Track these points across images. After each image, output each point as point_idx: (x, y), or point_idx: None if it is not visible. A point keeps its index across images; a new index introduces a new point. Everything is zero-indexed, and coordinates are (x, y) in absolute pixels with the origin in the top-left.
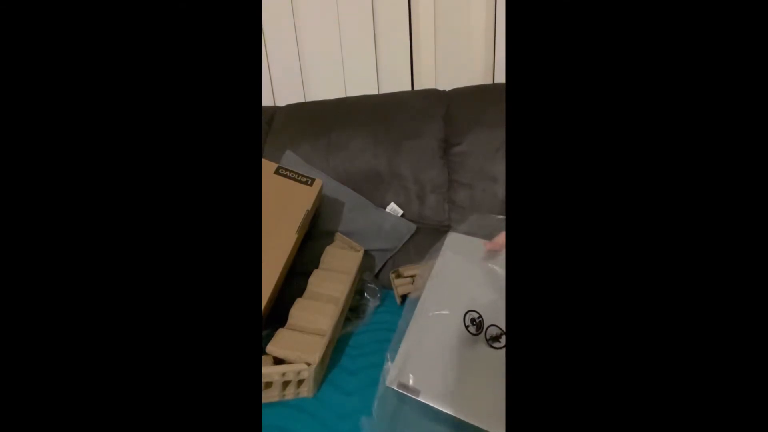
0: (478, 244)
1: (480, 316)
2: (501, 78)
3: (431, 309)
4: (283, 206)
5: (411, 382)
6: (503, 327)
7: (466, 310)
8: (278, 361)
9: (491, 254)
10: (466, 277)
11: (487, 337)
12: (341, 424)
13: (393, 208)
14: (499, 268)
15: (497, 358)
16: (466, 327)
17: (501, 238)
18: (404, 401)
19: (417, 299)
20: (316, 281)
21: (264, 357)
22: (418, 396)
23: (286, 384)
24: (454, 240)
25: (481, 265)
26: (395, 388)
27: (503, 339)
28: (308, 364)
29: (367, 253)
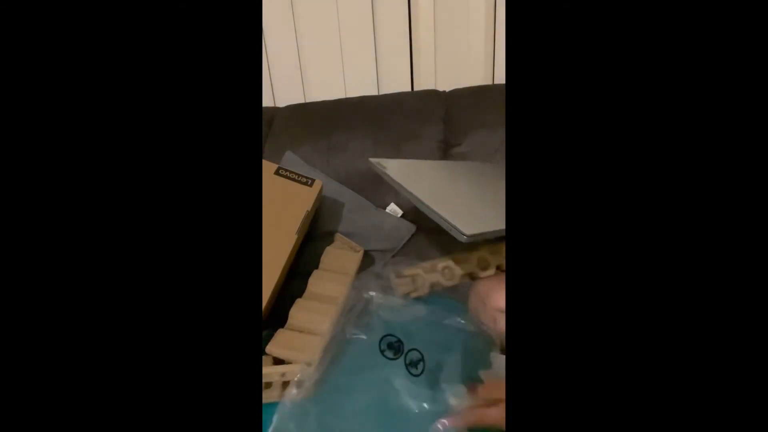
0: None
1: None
2: (501, 79)
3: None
4: (283, 207)
5: (387, 167)
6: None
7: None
8: (278, 361)
9: None
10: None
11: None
12: (341, 425)
13: (393, 208)
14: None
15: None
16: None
17: None
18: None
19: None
20: (315, 282)
21: (264, 357)
22: (385, 170)
23: (286, 384)
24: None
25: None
26: (372, 160)
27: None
28: (308, 365)
29: (367, 253)
